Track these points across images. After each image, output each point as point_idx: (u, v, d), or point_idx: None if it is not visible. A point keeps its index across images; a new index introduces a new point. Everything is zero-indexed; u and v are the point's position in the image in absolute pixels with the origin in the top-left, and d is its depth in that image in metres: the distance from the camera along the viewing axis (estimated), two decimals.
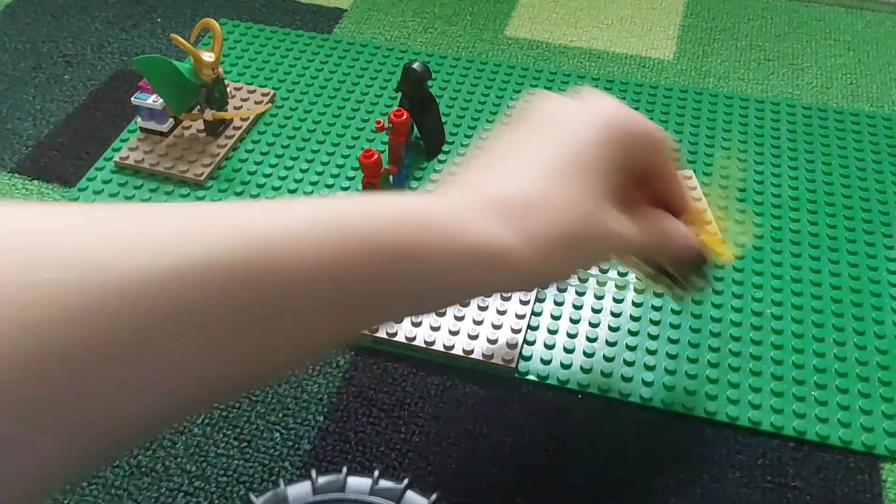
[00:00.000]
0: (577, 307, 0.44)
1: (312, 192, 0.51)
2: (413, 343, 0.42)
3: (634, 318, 0.44)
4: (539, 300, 0.45)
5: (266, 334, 0.22)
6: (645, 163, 0.31)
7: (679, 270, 0.35)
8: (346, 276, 0.23)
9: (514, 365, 0.41)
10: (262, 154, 0.54)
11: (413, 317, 0.28)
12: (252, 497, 0.30)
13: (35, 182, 0.52)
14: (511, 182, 0.27)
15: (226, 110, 0.53)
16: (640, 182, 0.32)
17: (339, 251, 0.22)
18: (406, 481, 0.31)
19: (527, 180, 0.27)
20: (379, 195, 0.25)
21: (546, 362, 0.42)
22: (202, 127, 0.54)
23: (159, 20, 0.66)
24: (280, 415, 0.40)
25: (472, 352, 0.41)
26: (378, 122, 0.48)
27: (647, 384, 0.41)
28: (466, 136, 0.55)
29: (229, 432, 0.39)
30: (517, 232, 0.26)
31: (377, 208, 0.24)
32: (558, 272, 0.28)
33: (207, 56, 0.49)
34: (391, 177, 0.50)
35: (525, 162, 0.28)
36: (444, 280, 0.25)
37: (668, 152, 0.32)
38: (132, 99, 0.53)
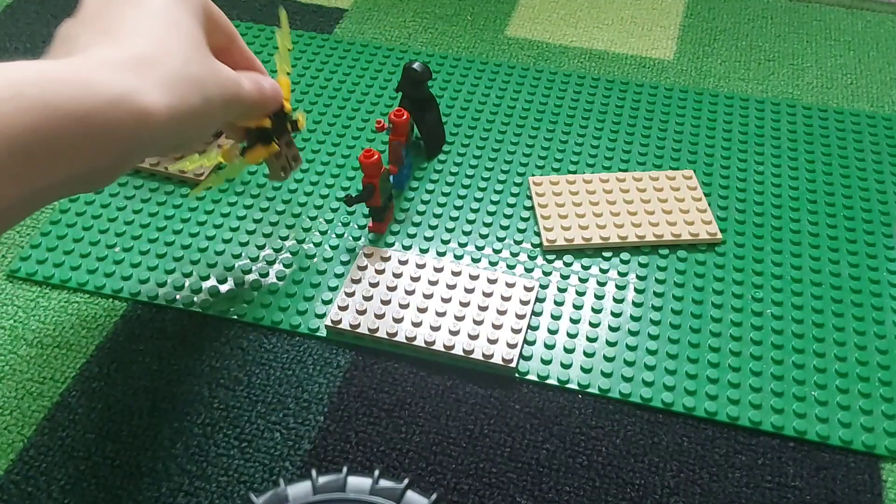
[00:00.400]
0: (578, 307, 0.44)
1: (313, 192, 0.51)
2: (413, 343, 0.42)
3: (635, 318, 0.44)
4: (539, 300, 0.45)
5: None
6: (215, 29, 0.35)
7: (275, 132, 0.41)
8: (17, 140, 0.24)
9: (514, 365, 0.41)
10: None
11: (107, 179, 0.30)
12: (252, 497, 0.30)
13: None
14: (122, 43, 0.29)
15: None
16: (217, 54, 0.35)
17: (8, 116, 0.24)
18: (406, 481, 0.31)
19: (140, 38, 0.30)
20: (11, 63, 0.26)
21: (546, 362, 0.42)
22: None
23: None
24: (280, 415, 0.40)
25: (472, 352, 0.41)
26: (378, 122, 0.48)
27: (648, 384, 0.41)
28: (467, 136, 0.55)
29: (230, 432, 0.39)
30: (148, 81, 0.28)
31: (13, 68, 0.25)
32: (193, 117, 0.30)
33: None
34: (392, 177, 0.50)
35: (125, 27, 0.30)
36: (104, 134, 0.27)
37: (227, 22, 0.36)
38: None
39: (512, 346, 0.42)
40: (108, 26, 0.30)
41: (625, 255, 0.47)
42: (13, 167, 0.25)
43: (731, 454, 0.39)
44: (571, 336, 0.43)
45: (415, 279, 0.45)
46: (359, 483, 0.31)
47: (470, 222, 0.49)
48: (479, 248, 0.48)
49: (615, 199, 0.50)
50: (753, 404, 0.40)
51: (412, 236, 0.48)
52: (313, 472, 0.31)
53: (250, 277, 0.46)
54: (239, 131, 0.41)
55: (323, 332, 0.43)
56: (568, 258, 0.47)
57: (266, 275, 0.46)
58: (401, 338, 0.42)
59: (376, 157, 0.44)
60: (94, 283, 0.45)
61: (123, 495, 0.37)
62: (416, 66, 0.50)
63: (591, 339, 0.43)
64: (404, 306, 0.43)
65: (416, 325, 0.43)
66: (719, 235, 0.48)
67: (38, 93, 0.25)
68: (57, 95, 0.25)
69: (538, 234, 0.48)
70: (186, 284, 0.45)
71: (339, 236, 0.48)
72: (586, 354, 0.42)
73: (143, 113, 0.28)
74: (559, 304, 0.45)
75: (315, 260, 0.47)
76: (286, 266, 0.46)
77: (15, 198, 0.26)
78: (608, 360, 0.42)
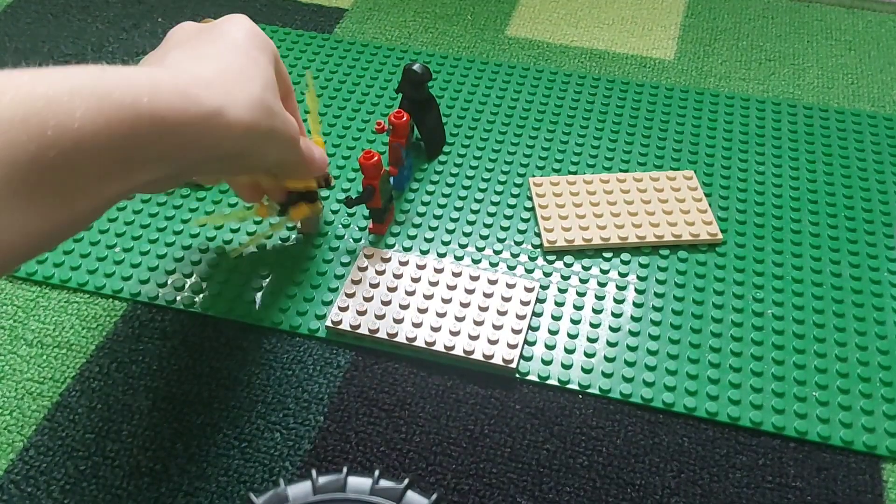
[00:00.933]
0: (578, 307, 0.44)
1: None
2: (414, 343, 0.42)
3: (635, 319, 0.44)
4: (540, 301, 0.45)
5: (55, 190, 0.25)
6: (278, 79, 0.37)
7: (310, 194, 0.45)
8: (113, 138, 0.26)
9: (514, 365, 0.41)
10: None
11: (170, 185, 0.34)
12: (252, 497, 0.30)
13: None
14: (210, 65, 0.32)
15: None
16: None
17: (105, 116, 0.26)
18: (406, 481, 0.31)
19: (220, 62, 0.33)
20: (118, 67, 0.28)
21: (547, 362, 0.42)
22: None
23: (160, 20, 0.67)
24: (281, 415, 0.40)
25: (472, 352, 0.41)
26: (378, 124, 0.48)
27: (648, 384, 0.41)
28: (467, 137, 0.55)
29: (230, 432, 0.39)
30: (232, 99, 0.31)
31: (131, 76, 0.27)
32: (261, 139, 0.33)
33: None
34: (392, 178, 0.50)
35: (210, 53, 0.33)
36: (192, 142, 0.30)
37: (287, 76, 0.39)
38: None
39: (512, 347, 0.42)
40: (195, 51, 0.33)
41: (625, 256, 0.47)
42: (118, 170, 0.27)
43: (731, 454, 0.39)
44: (572, 336, 0.43)
45: (415, 280, 0.45)
46: (359, 483, 0.31)
47: (470, 223, 0.49)
48: (480, 249, 0.48)
49: (616, 199, 0.50)
50: (754, 405, 0.40)
51: (412, 237, 0.48)
52: (313, 473, 0.31)
53: (251, 278, 0.46)
54: (282, 192, 0.44)
55: (323, 333, 0.43)
56: (568, 259, 0.47)
57: (267, 276, 0.46)
58: (401, 338, 0.42)
59: (376, 158, 0.44)
60: (94, 284, 0.45)
61: (123, 495, 0.37)
62: (416, 67, 0.50)
63: (591, 340, 0.43)
64: (405, 307, 0.43)
65: (417, 325, 0.43)
66: (720, 236, 0.48)
67: (149, 104, 0.27)
68: (164, 107, 0.28)
69: (538, 234, 0.48)
70: (187, 285, 0.45)
71: (340, 238, 0.48)
72: (587, 355, 0.42)
73: (228, 127, 0.31)
74: (560, 304, 0.45)
75: (315, 261, 0.47)
76: (287, 267, 0.46)
77: (113, 196, 0.28)
78: (609, 360, 0.42)
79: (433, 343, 0.42)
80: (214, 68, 0.32)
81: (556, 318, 0.44)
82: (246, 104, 0.32)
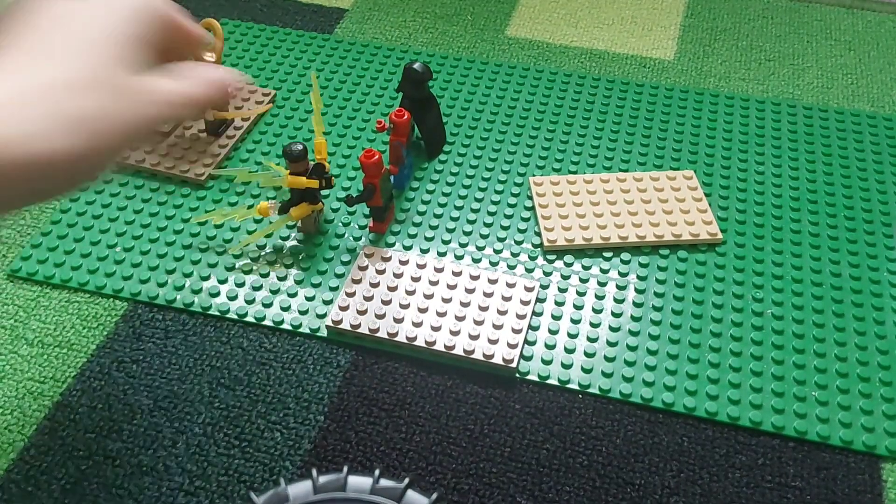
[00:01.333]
0: (578, 307, 0.44)
1: None
2: (414, 343, 0.42)
3: (635, 319, 0.44)
4: (540, 300, 0.45)
5: None
6: (161, 34, 0.31)
7: (312, 193, 0.45)
8: None
9: (514, 365, 0.41)
10: (263, 154, 0.54)
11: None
12: (253, 496, 0.30)
13: None
14: (40, 67, 0.26)
15: (227, 110, 0.54)
16: (167, 52, 0.31)
17: None
18: (406, 481, 0.31)
19: (51, 68, 0.26)
20: None
21: (547, 362, 0.42)
22: (203, 127, 0.54)
23: None
24: (281, 414, 0.40)
25: (472, 352, 0.41)
26: (379, 123, 0.48)
27: (648, 384, 0.41)
28: (467, 137, 0.55)
29: (230, 432, 0.39)
30: (56, 124, 0.25)
31: None
32: (104, 151, 0.27)
33: (209, 56, 0.49)
34: (392, 177, 0.50)
35: (45, 53, 0.27)
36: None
37: (179, 21, 0.32)
38: None
39: (512, 346, 0.42)
40: (21, 43, 0.27)
41: (625, 256, 0.47)
42: None
43: (731, 454, 0.39)
44: (572, 336, 0.43)
45: (415, 279, 0.45)
46: (359, 482, 0.31)
47: (470, 222, 0.49)
48: (480, 249, 0.48)
49: (616, 199, 0.50)
50: (754, 404, 0.40)
51: (413, 236, 0.48)
52: (314, 472, 0.31)
53: (251, 277, 0.46)
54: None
55: (324, 332, 0.43)
56: (568, 258, 0.47)
57: (267, 275, 0.46)
58: (401, 338, 0.42)
59: (377, 157, 0.44)
60: (94, 283, 0.45)
61: (124, 495, 0.37)
62: (416, 66, 0.50)
63: (591, 340, 0.43)
64: (405, 306, 0.43)
65: (417, 325, 0.43)
66: (720, 235, 0.48)
67: None
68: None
69: (539, 234, 0.48)
70: (187, 284, 0.45)
71: (340, 236, 0.48)
72: (587, 354, 0.42)
73: (38, 164, 0.25)
74: (560, 304, 0.45)
75: (316, 260, 0.47)
76: (287, 266, 0.46)
77: None
78: (609, 360, 0.42)
79: (433, 342, 0.42)
80: (40, 73, 0.26)
81: (557, 318, 0.44)
82: (80, 123, 0.26)
